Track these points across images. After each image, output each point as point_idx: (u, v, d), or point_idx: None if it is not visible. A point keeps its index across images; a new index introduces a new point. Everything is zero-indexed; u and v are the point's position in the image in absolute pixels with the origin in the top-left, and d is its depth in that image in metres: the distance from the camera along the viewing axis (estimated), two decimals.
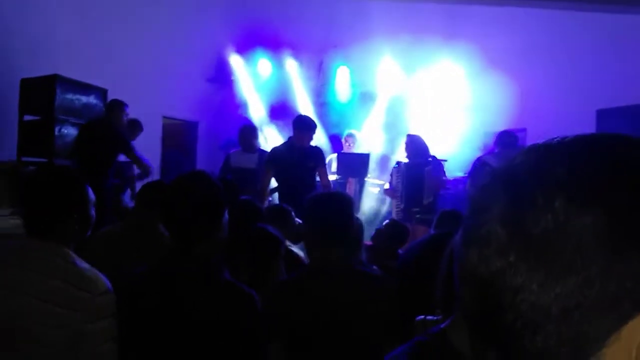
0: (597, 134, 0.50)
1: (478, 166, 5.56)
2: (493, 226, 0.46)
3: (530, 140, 7.50)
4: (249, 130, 5.96)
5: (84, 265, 1.81)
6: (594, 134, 0.50)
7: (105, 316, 1.75)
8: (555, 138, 0.51)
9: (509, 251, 0.44)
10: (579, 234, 0.42)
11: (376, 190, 6.65)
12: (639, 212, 0.42)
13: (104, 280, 1.79)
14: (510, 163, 0.50)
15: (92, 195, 1.93)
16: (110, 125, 5.21)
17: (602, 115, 6.26)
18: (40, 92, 5.47)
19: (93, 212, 1.93)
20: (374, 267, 2.40)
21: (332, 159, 6.73)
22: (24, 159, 5.46)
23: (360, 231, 2.89)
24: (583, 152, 0.47)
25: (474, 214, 0.49)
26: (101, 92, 5.94)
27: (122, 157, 5.44)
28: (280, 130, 8.33)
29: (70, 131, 5.58)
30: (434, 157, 5.78)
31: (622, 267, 0.41)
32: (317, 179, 5.19)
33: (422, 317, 1.66)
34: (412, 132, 6.13)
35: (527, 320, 0.44)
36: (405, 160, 5.89)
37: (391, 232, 3.70)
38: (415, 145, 5.77)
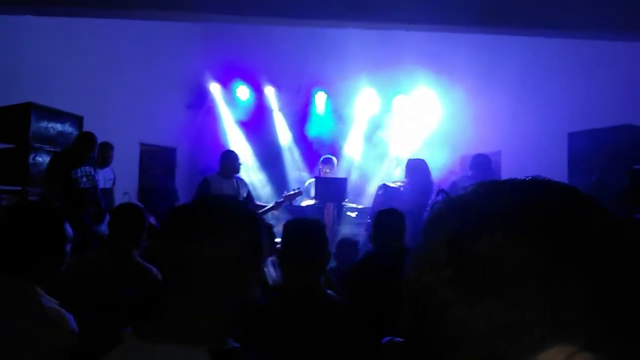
0: (538, 179, 0.54)
1: (451, 189, 5.61)
2: (438, 247, 0.49)
3: (505, 163, 7.65)
4: (232, 156, 5.96)
5: (51, 304, 1.75)
6: (535, 178, 0.54)
7: (68, 357, 1.72)
8: (505, 180, 0.55)
9: (445, 269, 0.47)
10: (512, 262, 0.45)
11: (354, 214, 6.67)
12: (568, 251, 0.45)
13: (69, 321, 1.75)
14: (463, 193, 0.54)
15: (69, 231, 1.89)
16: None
17: (573, 137, 6.40)
18: (14, 120, 5.44)
19: (68, 249, 1.89)
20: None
21: (310, 183, 6.74)
22: None
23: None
24: (524, 192, 0.51)
25: (425, 234, 0.52)
26: (76, 120, 5.91)
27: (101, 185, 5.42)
28: (258, 157, 8.36)
29: (45, 159, 5.53)
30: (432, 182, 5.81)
31: (545, 297, 0.44)
32: None
33: (389, 338, 1.67)
34: (413, 157, 6.14)
35: (451, 336, 0.46)
36: (392, 184, 5.92)
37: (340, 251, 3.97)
38: (418, 170, 5.78)
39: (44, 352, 1.67)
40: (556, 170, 6.49)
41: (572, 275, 0.44)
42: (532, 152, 6.99)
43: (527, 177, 0.54)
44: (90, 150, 5.23)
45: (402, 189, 5.67)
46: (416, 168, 5.75)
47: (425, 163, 5.86)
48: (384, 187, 5.83)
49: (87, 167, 5.19)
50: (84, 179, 5.13)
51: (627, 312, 0.44)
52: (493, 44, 7.24)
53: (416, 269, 0.50)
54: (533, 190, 0.51)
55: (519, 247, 0.45)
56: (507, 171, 7.57)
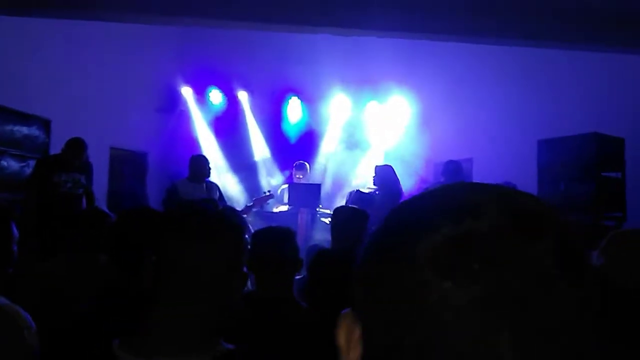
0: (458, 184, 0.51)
1: None
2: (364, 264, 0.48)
3: (476, 169, 7.75)
4: (201, 160, 5.88)
5: (4, 301, 1.73)
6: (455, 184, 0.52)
7: (30, 355, 1.68)
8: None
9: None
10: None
11: (327, 220, 6.65)
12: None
13: (25, 316, 1.72)
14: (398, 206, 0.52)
15: (15, 232, 1.89)
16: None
17: (543, 145, 6.51)
18: None
19: (15, 248, 1.88)
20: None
21: (283, 189, 6.71)
22: None
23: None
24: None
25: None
26: (43, 123, 5.77)
27: None
28: (230, 161, 8.28)
29: (10, 163, 5.39)
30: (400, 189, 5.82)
31: None
32: None
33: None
34: (380, 163, 6.13)
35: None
36: (365, 190, 5.93)
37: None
38: (383, 177, 5.79)
39: (4, 350, 1.62)
40: (526, 177, 6.60)
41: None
42: (503, 159, 7.10)
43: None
44: (78, 155, 5.15)
45: (375, 195, 5.68)
46: (384, 175, 5.77)
47: (393, 169, 5.87)
48: (356, 193, 5.83)
49: (75, 174, 5.13)
50: (69, 184, 5.06)
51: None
52: (464, 52, 7.34)
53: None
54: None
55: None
56: (478, 178, 7.66)
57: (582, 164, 5.94)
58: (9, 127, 5.42)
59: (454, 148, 7.25)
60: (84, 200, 5.28)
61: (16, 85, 5.84)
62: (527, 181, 6.57)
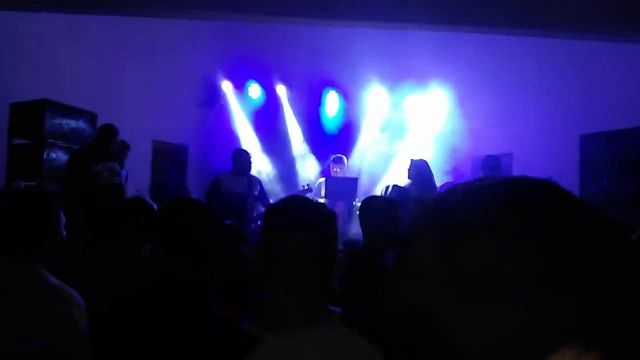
0: (513, 178, 0.53)
1: None
2: (426, 260, 0.48)
3: (516, 164, 7.62)
4: (244, 154, 6.01)
5: (56, 281, 1.85)
6: (510, 178, 0.53)
7: (79, 330, 1.78)
8: (483, 179, 0.53)
9: (442, 286, 0.47)
10: (512, 271, 0.45)
11: None
12: (574, 253, 0.45)
13: (75, 295, 1.83)
14: (440, 198, 0.53)
15: (62, 217, 1.99)
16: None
17: (586, 139, 6.37)
18: (30, 116, 5.51)
19: (64, 232, 1.98)
20: None
21: (321, 183, 6.77)
22: (13, 182, 5.46)
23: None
24: (504, 194, 0.50)
25: (407, 245, 0.52)
26: (90, 116, 5.97)
27: None
28: (269, 155, 8.38)
29: (59, 155, 5.60)
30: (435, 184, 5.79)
31: (553, 304, 0.44)
32: None
33: None
34: (414, 157, 6.07)
35: (456, 353, 0.46)
36: (401, 184, 5.91)
37: None
38: (418, 171, 5.76)
39: (57, 324, 1.74)
40: (568, 172, 6.47)
41: (567, 283, 0.44)
42: (544, 154, 6.96)
43: (507, 177, 0.53)
44: (109, 143, 5.14)
45: (411, 189, 5.66)
46: (418, 169, 5.73)
47: (427, 163, 5.82)
48: (394, 187, 5.82)
49: (109, 162, 5.14)
50: (105, 174, 5.10)
51: (621, 314, 0.44)
52: (505, 44, 7.21)
53: (405, 286, 0.50)
54: (511, 192, 0.50)
55: (519, 255, 0.44)
56: (518, 173, 7.49)
57: (626, 159, 5.78)
58: (57, 121, 5.64)
59: (494, 142, 7.15)
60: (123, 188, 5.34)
61: (64, 81, 6.06)
62: (568, 176, 6.44)
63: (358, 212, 3.11)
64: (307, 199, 1.46)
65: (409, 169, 5.82)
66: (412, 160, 5.92)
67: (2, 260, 1.85)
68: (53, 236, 1.93)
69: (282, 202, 1.40)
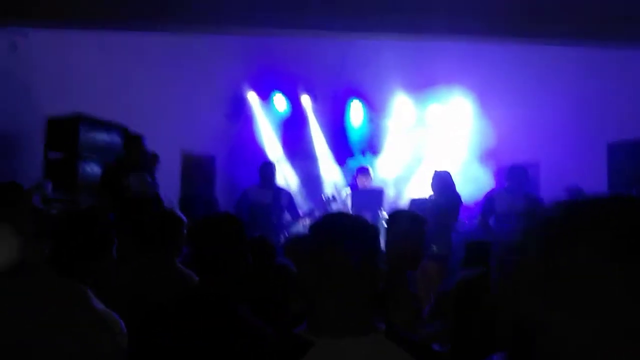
0: (618, 196, 0.59)
1: (488, 202, 5.61)
2: (530, 268, 0.55)
3: (543, 174, 7.56)
4: (269, 167, 6.12)
5: (101, 306, 1.87)
6: (619, 196, 0.59)
7: (121, 355, 1.83)
8: (587, 197, 0.60)
9: (542, 291, 0.53)
10: (607, 280, 0.50)
11: None
12: None
13: (119, 322, 1.86)
14: (547, 213, 0.59)
15: (115, 239, 2.04)
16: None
17: (613, 148, 6.30)
18: (65, 131, 5.70)
19: (114, 253, 2.03)
20: None
21: (347, 194, 6.82)
22: (49, 195, 5.64)
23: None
24: (612, 211, 0.56)
25: (511, 253, 0.58)
26: (122, 130, 6.15)
27: None
28: (295, 165, 8.47)
29: (93, 168, 5.77)
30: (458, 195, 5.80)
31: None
32: None
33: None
34: (439, 169, 6.08)
35: (554, 355, 0.52)
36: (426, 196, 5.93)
37: None
38: (442, 183, 5.77)
39: (99, 352, 1.77)
40: (596, 182, 6.41)
41: None
42: (571, 162, 6.90)
43: (608, 194, 0.59)
44: (137, 153, 5.26)
45: (428, 201, 5.65)
46: (441, 180, 5.72)
47: (450, 175, 5.82)
48: (410, 202, 5.83)
49: (141, 173, 5.23)
50: (137, 185, 5.16)
51: None
52: (532, 52, 7.19)
53: (508, 291, 0.56)
54: (614, 209, 0.56)
55: (612, 266, 0.50)
56: (546, 183, 7.48)
57: None
58: (91, 135, 5.82)
59: (520, 152, 7.11)
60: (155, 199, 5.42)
61: (97, 96, 6.26)
62: (596, 186, 6.38)
63: (386, 223, 2.95)
64: (352, 215, 1.54)
65: (432, 181, 5.83)
66: (435, 171, 5.93)
67: (52, 277, 1.88)
68: (105, 258, 1.98)
69: (329, 219, 1.48)
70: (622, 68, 6.77)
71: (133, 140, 5.40)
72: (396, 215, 2.99)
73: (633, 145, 6.13)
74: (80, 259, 1.93)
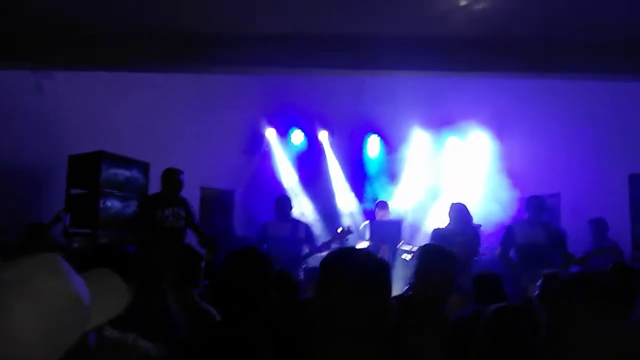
0: None
1: (508, 233, 5.55)
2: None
3: (564, 205, 7.48)
4: (284, 201, 6.15)
5: (133, 337, 1.87)
6: None
7: None
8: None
9: None
10: None
11: (409, 257, 6.65)
12: None
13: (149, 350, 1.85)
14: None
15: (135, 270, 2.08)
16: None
17: (635, 179, 6.22)
18: (87, 167, 5.83)
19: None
20: None
21: (365, 225, 6.81)
22: (70, 230, 5.73)
23: None
24: None
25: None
26: (143, 166, 6.26)
27: None
28: (312, 199, 8.49)
29: (114, 203, 5.86)
30: (477, 226, 5.78)
31: None
32: None
33: None
34: (456, 201, 6.08)
35: None
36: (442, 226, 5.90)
37: None
38: (460, 214, 5.76)
39: None
40: (618, 212, 6.31)
41: None
42: (592, 193, 6.83)
43: None
44: (171, 187, 5.36)
45: (449, 230, 5.63)
46: (458, 212, 5.71)
47: (466, 207, 5.81)
48: (432, 232, 5.78)
49: (176, 208, 5.38)
50: (170, 218, 5.31)
51: None
52: (550, 84, 7.20)
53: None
54: None
55: None
56: (567, 213, 7.39)
57: None
58: (112, 171, 5.93)
59: (541, 183, 7.06)
60: (188, 233, 5.54)
61: (119, 133, 6.41)
62: (619, 217, 6.29)
63: (417, 258, 2.84)
64: (362, 250, 1.49)
65: (449, 212, 5.82)
66: (452, 204, 5.92)
67: None
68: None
69: (339, 254, 1.43)
70: None
71: (167, 173, 5.47)
72: (428, 249, 2.91)
73: None
74: None
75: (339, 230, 6.06)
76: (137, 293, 2.33)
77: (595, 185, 6.89)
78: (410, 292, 2.78)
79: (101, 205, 5.75)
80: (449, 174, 8.32)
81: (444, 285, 2.68)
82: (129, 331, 2.02)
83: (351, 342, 1.24)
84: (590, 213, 6.48)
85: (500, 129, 8.00)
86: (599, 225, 6.35)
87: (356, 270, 1.31)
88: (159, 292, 3.31)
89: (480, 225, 6.14)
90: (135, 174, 6.16)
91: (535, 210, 5.46)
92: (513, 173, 7.56)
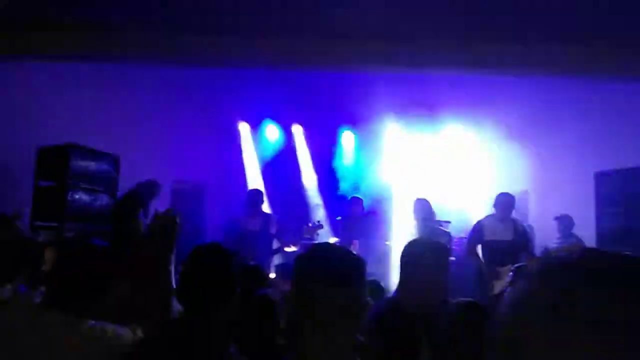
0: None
1: (476, 229, 5.63)
2: (543, 303, 0.57)
3: (532, 202, 7.62)
4: (256, 195, 6.14)
5: (99, 333, 1.85)
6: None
7: None
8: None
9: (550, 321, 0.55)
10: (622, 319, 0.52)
11: (382, 251, 6.69)
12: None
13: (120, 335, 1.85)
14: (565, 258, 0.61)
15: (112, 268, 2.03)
16: None
17: (600, 177, 6.37)
18: (56, 159, 5.72)
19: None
20: None
21: (337, 221, 6.83)
22: (37, 223, 5.63)
23: None
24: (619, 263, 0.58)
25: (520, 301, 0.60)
26: (113, 159, 6.17)
27: None
28: (284, 194, 8.49)
29: (82, 196, 5.78)
30: (443, 223, 5.85)
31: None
32: None
33: None
34: (420, 196, 6.17)
35: None
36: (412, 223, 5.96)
37: None
38: (422, 210, 5.83)
39: None
40: (584, 210, 6.46)
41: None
42: (559, 191, 6.97)
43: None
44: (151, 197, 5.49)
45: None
46: (421, 208, 5.80)
47: (429, 203, 5.90)
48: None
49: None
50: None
51: None
52: (518, 84, 7.31)
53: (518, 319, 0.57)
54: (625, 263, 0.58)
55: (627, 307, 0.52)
56: (535, 211, 7.53)
57: None
58: (82, 163, 5.84)
59: (509, 180, 7.17)
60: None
61: (89, 126, 6.30)
62: (585, 214, 6.43)
63: (400, 259, 2.43)
64: (338, 247, 1.50)
65: (413, 208, 5.89)
66: (416, 199, 6.00)
67: (53, 314, 1.83)
68: (107, 292, 1.96)
69: (313, 251, 1.43)
70: (611, 99, 6.89)
71: (152, 186, 5.50)
72: (414, 245, 2.50)
73: (619, 174, 6.20)
74: (80, 294, 1.90)
75: (310, 224, 6.07)
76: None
77: (562, 182, 7.03)
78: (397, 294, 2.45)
79: (69, 198, 5.66)
80: (421, 168, 8.39)
81: (435, 286, 2.31)
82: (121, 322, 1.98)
83: (327, 337, 1.25)
84: (557, 210, 6.61)
85: (472, 125, 8.10)
86: (565, 222, 6.50)
87: (332, 267, 1.31)
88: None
89: (450, 222, 6.23)
90: (104, 166, 6.07)
91: (505, 208, 5.54)
92: (481, 169, 7.68)
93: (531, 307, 0.56)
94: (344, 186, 8.53)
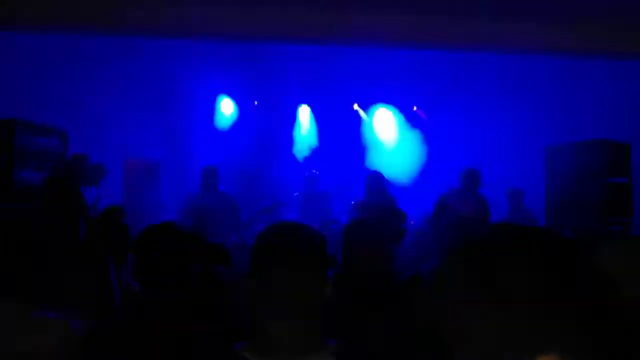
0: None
1: (440, 202, 5.71)
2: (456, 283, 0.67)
3: (484, 176, 7.81)
4: (211, 171, 6.03)
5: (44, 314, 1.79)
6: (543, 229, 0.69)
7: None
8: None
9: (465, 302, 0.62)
10: (517, 282, 0.60)
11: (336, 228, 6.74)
12: (554, 280, 0.59)
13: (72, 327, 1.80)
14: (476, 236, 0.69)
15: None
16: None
17: (550, 152, 6.58)
18: None
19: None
20: None
21: (295, 197, 6.83)
22: None
23: None
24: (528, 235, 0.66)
25: (439, 274, 0.69)
26: (61, 135, 5.94)
27: None
28: (242, 170, 8.41)
29: (29, 174, 5.54)
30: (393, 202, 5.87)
31: (537, 314, 0.57)
32: None
33: None
34: (373, 170, 6.19)
35: (462, 332, 0.61)
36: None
37: None
38: (376, 184, 5.84)
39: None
40: (534, 183, 6.67)
41: (555, 300, 0.57)
42: (510, 166, 7.16)
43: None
44: (82, 171, 5.32)
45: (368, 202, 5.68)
46: (373, 180, 5.79)
47: (383, 175, 5.92)
48: (352, 205, 5.83)
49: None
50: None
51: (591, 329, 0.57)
52: (469, 59, 7.42)
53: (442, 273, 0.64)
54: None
55: (525, 271, 0.58)
56: (487, 185, 7.71)
57: (589, 170, 6.00)
58: (28, 139, 5.59)
59: (461, 156, 7.31)
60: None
61: (36, 101, 6.03)
62: (534, 187, 6.65)
63: (344, 236, 2.64)
64: (299, 225, 1.45)
65: (366, 182, 5.90)
66: (368, 172, 6.03)
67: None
68: (44, 268, 1.90)
69: (275, 230, 1.39)
70: (559, 76, 7.09)
71: (78, 160, 5.25)
72: (359, 225, 2.73)
73: (567, 149, 6.41)
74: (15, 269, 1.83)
75: (269, 203, 6.05)
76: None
77: (513, 157, 7.23)
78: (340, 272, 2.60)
79: (15, 176, 5.42)
80: (376, 145, 8.47)
81: (375, 263, 2.49)
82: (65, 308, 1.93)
83: (290, 314, 1.23)
84: (508, 184, 6.81)
85: (423, 103, 8.20)
86: (515, 195, 6.70)
87: (294, 243, 1.30)
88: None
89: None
90: (52, 142, 5.83)
91: (468, 181, 5.65)
92: (434, 146, 7.81)
93: (452, 279, 0.64)
94: (303, 162, 8.50)
